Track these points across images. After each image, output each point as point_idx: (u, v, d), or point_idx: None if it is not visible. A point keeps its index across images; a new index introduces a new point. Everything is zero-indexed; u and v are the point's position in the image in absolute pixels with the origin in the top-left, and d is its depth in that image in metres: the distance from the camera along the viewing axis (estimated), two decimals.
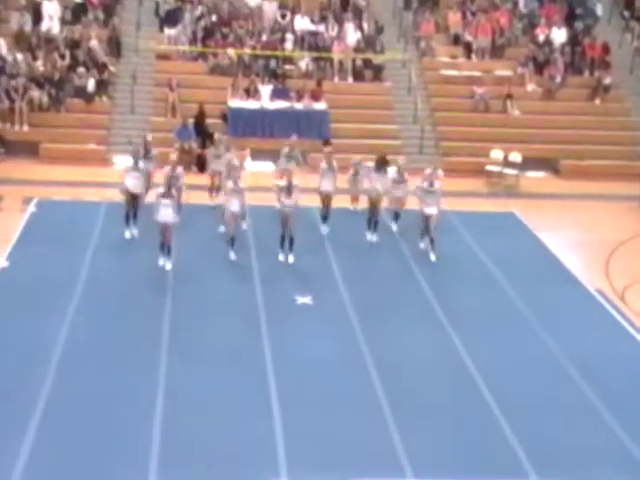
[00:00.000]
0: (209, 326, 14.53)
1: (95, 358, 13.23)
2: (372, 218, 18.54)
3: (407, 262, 17.53)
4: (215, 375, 12.96)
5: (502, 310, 15.76)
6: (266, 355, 13.65)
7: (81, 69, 24.39)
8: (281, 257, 17.12)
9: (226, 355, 13.60)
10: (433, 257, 17.49)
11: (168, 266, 16.45)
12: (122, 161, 23.47)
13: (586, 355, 14.15)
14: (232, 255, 16.99)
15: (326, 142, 21.65)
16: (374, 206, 18.56)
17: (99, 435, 11.29)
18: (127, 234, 17.83)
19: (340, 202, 19.31)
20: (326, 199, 18.75)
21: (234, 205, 16.76)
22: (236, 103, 24.62)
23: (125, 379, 12.70)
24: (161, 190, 16.52)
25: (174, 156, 18.93)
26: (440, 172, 19.51)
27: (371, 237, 18.48)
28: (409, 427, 11.87)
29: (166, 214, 16.33)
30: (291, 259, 17.06)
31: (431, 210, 17.54)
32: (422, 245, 17.98)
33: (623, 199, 22.35)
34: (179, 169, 18.23)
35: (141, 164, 18.03)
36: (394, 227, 19.13)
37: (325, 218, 18.88)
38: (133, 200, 17.76)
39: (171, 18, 26.48)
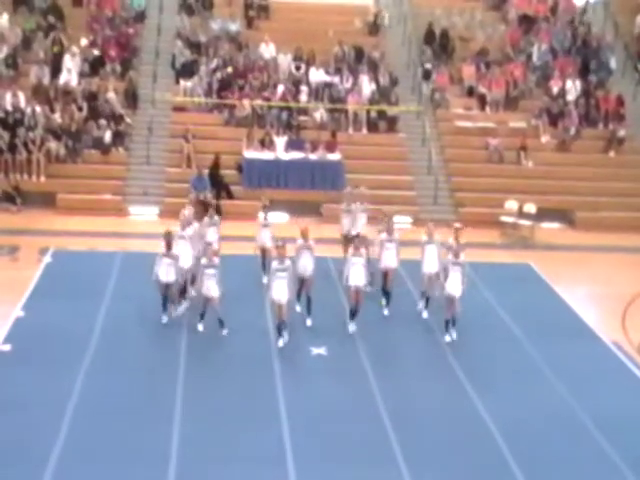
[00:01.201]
0: (223, 376, 14.48)
1: (109, 410, 13.12)
2: (385, 289, 17.34)
3: (422, 314, 17.38)
4: (229, 425, 12.85)
5: (518, 363, 15.61)
6: (280, 405, 13.54)
7: (102, 121, 24.65)
8: (298, 308, 16.92)
9: (240, 406, 13.49)
10: (449, 338, 16.05)
11: (200, 328, 15.97)
12: (138, 212, 23.73)
13: (603, 410, 13.93)
14: (281, 342, 15.55)
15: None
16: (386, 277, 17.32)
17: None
18: (163, 319, 16.35)
19: None
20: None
21: (277, 291, 15.44)
22: (251, 154, 24.80)
23: (139, 430, 12.61)
24: (204, 261, 15.72)
25: (188, 212, 17.71)
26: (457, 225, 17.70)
27: (386, 311, 17.34)
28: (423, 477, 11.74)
29: (210, 287, 15.60)
30: (309, 322, 16.49)
31: (455, 290, 15.85)
32: (448, 338, 16.12)
33: (638, 251, 22.25)
34: (195, 225, 17.35)
35: (175, 250, 16.20)
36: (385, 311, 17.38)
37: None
38: (165, 289, 16.19)
39: (187, 70, 26.80)
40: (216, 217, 18.14)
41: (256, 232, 18.31)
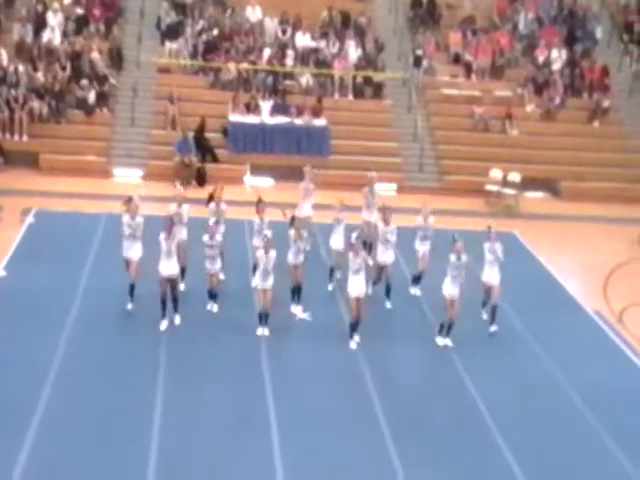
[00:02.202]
0: (207, 339, 14.52)
1: (92, 371, 13.17)
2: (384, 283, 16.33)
3: (406, 281, 17.38)
4: (212, 388, 12.92)
5: (502, 332, 15.68)
6: (264, 372, 13.61)
7: (84, 81, 24.40)
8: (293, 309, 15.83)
9: (224, 371, 13.56)
10: (441, 342, 14.91)
11: (215, 308, 15.48)
12: (122, 173, 23.56)
13: (585, 379, 14.13)
14: (259, 330, 14.80)
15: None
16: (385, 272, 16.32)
17: (95, 451, 11.22)
18: (129, 305, 15.15)
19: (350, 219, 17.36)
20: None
21: (264, 281, 14.61)
22: (236, 118, 24.65)
23: (122, 391, 12.65)
24: (207, 240, 15.09)
25: (180, 188, 16.60)
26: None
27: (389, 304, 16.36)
28: (408, 448, 11.82)
29: (212, 261, 15.17)
30: (301, 313, 15.75)
31: (454, 292, 14.73)
32: (439, 342, 14.98)
33: (622, 221, 22.40)
34: (185, 207, 16.10)
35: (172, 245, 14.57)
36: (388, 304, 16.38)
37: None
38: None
39: (172, 32, 26.52)
40: (223, 205, 16.52)
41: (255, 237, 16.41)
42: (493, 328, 15.55)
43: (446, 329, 14.96)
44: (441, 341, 14.97)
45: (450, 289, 14.77)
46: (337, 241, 16.68)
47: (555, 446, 12.23)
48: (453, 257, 14.71)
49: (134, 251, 15.26)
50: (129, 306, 15.22)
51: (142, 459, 11.08)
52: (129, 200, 15.53)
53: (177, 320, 14.89)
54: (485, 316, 15.92)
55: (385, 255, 16.13)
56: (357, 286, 14.38)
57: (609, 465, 11.94)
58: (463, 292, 14.90)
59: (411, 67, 27.10)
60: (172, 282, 14.69)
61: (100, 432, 11.60)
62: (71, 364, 13.33)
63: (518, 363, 14.67)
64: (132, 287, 15.20)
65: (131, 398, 12.50)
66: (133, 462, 11.03)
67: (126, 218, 15.32)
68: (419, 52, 27.11)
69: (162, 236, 14.50)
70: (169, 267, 14.56)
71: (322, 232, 18.79)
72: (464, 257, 14.76)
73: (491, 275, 15.59)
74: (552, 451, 12.10)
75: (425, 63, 27.02)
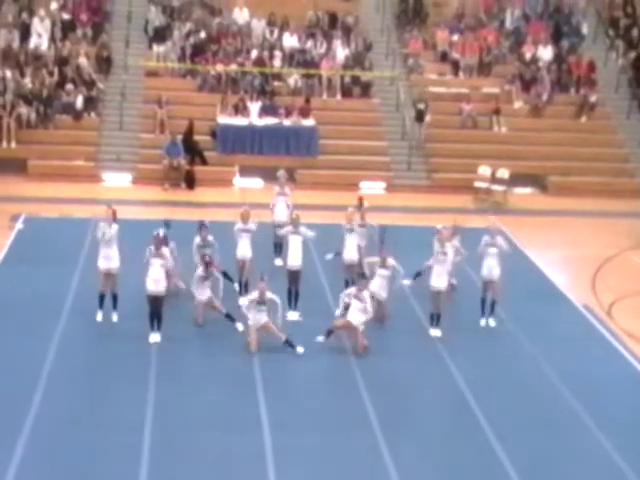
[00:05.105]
0: (196, 337, 14.60)
1: (82, 378, 13.18)
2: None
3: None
4: (204, 391, 12.98)
5: (491, 326, 15.78)
6: (255, 373, 13.65)
7: (69, 86, 24.42)
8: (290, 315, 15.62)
9: (214, 372, 13.61)
10: (437, 333, 15.11)
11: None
12: (111, 178, 23.59)
13: (573, 371, 14.20)
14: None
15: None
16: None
17: (87, 454, 11.25)
18: (99, 316, 14.93)
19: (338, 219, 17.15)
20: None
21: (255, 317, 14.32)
22: (225, 120, 24.70)
23: (113, 395, 12.68)
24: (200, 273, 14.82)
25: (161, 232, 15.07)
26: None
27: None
28: (399, 444, 11.87)
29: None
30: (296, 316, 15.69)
31: (440, 283, 15.04)
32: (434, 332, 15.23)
33: (609, 215, 22.50)
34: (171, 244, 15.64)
35: (161, 258, 14.26)
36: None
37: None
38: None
39: (160, 35, 26.57)
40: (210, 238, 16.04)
41: (237, 240, 16.19)
42: (492, 322, 15.76)
43: (435, 319, 15.26)
44: (433, 332, 15.21)
45: (434, 281, 15.10)
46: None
47: (544, 438, 12.28)
48: (437, 246, 15.25)
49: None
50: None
51: (134, 462, 11.09)
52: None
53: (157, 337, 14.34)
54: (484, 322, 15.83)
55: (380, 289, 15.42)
56: (356, 317, 14.35)
57: (597, 456, 11.99)
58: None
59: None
60: (157, 299, 14.26)
61: (91, 436, 11.60)
62: (61, 369, 13.35)
63: (507, 357, 14.73)
64: None
65: (122, 402, 12.53)
66: (125, 466, 11.04)
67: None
68: (421, 106, 25.38)
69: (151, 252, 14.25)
70: (155, 284, 14.19)
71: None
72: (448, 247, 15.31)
73: (492, 270, 15.61)
74: (541, 443, 12.15)
75: (427, 118, 25.50)
